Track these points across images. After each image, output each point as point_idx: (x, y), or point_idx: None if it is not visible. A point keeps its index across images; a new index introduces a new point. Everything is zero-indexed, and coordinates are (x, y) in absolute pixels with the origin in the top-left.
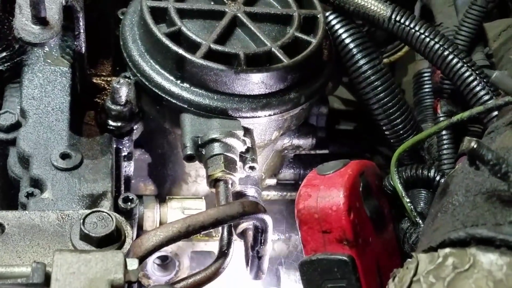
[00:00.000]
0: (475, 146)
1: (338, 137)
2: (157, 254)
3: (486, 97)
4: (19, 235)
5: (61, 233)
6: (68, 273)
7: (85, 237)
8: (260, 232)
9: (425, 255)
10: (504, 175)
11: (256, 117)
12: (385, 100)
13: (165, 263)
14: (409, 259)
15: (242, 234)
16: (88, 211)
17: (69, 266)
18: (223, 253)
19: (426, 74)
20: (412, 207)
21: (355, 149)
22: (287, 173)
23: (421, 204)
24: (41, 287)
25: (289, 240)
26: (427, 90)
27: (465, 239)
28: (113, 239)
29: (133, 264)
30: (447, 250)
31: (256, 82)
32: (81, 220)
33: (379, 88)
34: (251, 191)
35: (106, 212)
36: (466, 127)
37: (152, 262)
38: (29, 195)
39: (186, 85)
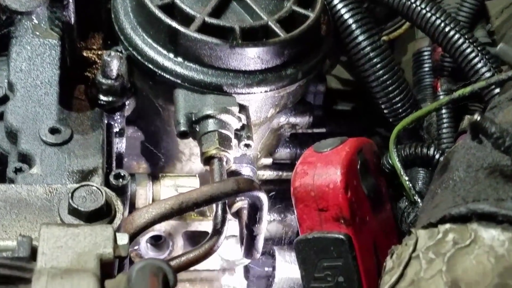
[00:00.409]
0: (478, 119)
1: (336, 117)
2: (151, 233)
3: (488, 74)
4: (5, 209)
5: (49, 208)
6: (55, 247)
7: (73, 212)
8: (255, 211)
9: (424, 231)
10: (507, 149)
11: (251, 93)
12: (384, 77)
13: (158, 242)
14: (407, 236)
15: (237, 214)
16: (77, 185)
17: (56, 240)
18: (217, 231)
19: (426, 53)
20: (410, 185)
21: (352, 129)
22: (283, 153)
23: (419, 184)
24: (27, 261)
25: (285, 220)
26: (426, 69)
27: (466, 215)
28: (102, 214)
29: (123, 238)
30: (448, 225)
31: (252, 57)
32: (70, 194)
33: (378, 66)
34: (246, 170)
35: (95, 186)
36: (466, 106)
37: (145, 241)
38: (17, 170)
39: (179, 59)
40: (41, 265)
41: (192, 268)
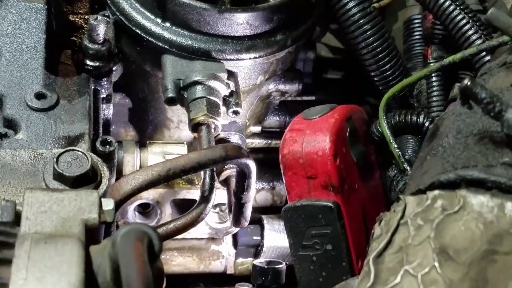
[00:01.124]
0: (468, 84)
1: (325, 85)
2: (138, 201)
3: (479, 41)
4: None
5: (33, 172)
6: (39, 212)
7: (58, 177)
8: (243, 178)
9: (413, 197)
10: (497, 114)
11: (240, 59)
12: (374, 44)
13: (146, 211)
14: (396, 202)
15: (225, 182)
16: (62, 150)
17: (41, 204)
18: (204, 199)
19: (416, 21)
20: (400, 153)
21: (342, 98)
22: (272, 121)
23: (409, 152)
24: (11, 225)
25: (273, 189)
26: (417, 37)
27: (455, 181)
28: (88, 179)
29: (108, 204)
30: (436, 192)
31: (241, 23)
32: (55, 159)
33: (368, 32)
34: (235, 138)
35: (81, 151)
36: (456, 75)
37: (133, 210)
38: (2, 136)
39: (167, 24)
40: (25, 230)
41: (180, 237)
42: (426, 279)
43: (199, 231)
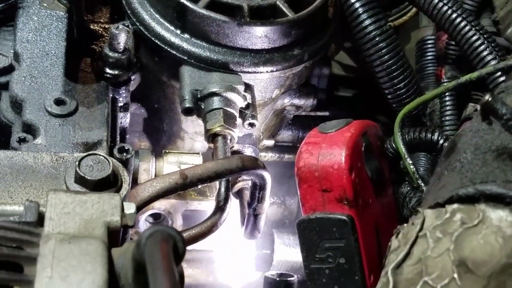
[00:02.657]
0: (489, 100)
1: (337, 102)
2: (150, 211)
3: (494, 62)
4: (11, 175)
5: (55, 175)
6: (63, 213)
7: (80, 180)
8: (258, 189)
9: (431, 210)
10: None
11: (257, 72)
12: (389, 62)
13: (157, 221)
14: (414, 215)
15: (238, 194)
16: (84, 154)
17: (64, 206)
18: (219, 208)
19: (429, 41)
20: (414, 169)
21: (354, 115)
22: (286, 135)
23: (421, 170)
24: (34, 226)
25: (284, 203)
26: (430, 57)
27: (474, 195)
28: (109, 184)
29: (130, 208)
30: (455, 206)
31: (259, 36)
32: (77, 163)
33: (384, 50)
34: (248, 151)
35: (103, 156)
36: (469, 95)
37: (144, 220)
38: (21, 140)
39: (186, 36)
40: (49, 230)
41: (189, 248)
42: None
43: (208, 243)
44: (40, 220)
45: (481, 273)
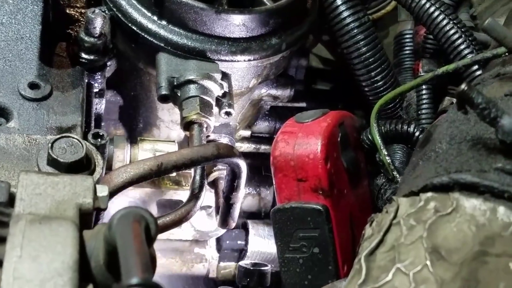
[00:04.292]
0: (465, 89)
1: (315, 94)
2: (124, 199)
3: (471, 56)
4: None
5: (27, 157)
6: (34, 194)
7: (52, 162)
8: (233, 178)
9: (406, 199)
10: (493, 120)
11: (235, 61)
12: (367, 55)
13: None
14: (388, 203)
15: (213, 183)
16: (57, 136)
17: (35, 187)
18: (194, 196)
19: (408, 36)
20: (390, 160)
21: (331, 107)
22: (262, 126)
23: (397, 162)
24: (5, 206)
25: (259, 195)
26: (408, 51)
27: (448, 184)
28: (82, 167)
29: (103, 190)
30: (429, 194)
31: (237, 24)
32: (50, 145)
33: (361, 43)
34: (224, 141)
35: (76, 139)
36: (446, 89)
37: (118, 207)
38: None
39: (164, 22)
40: (19, 211)
41: (164, 238)
42: (417, 277)
43: (184, 232)
44: (11, 201)
45: (453, 260)
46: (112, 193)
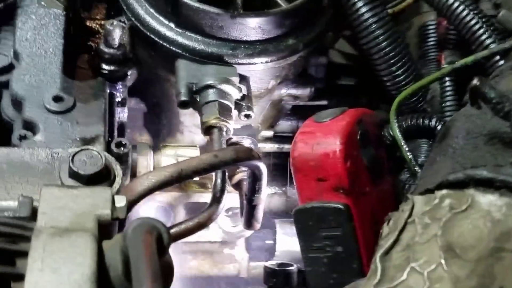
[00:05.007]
0: (477, 84)
1: (338, 91)
2: (152, 204)
3: (493, 46)
4: (8, 171)
5: (50, 171)
6: (55, 207)
7: (73, 175)
8: (254, 180)
9: (421, 197)
10: (506, 114)
11: (252, 63)
12: (387, 49)
13: (160, 214)
14: (404, 202)
15: (238, 185)
16: (77, 149)
17: (56, 200)
18: (216, 200)
19: (431, 27)
20: (411, 156)
21: (355, 104)
22: (285, 125)
23: (422, 157)
24: (28, 220)
25: (286, 194)
26: (431, 43)
27: (463, 181)
28: (102, 178)
29: (121, 201)
30: (444, 191)
31: (253, 27)
32: (70, 158)
33: (381, 37)
34: (247, 142)
35: (95, 151)
36: (470, 80)
37: (147, 212)
38: (22, 137)
39: (181, 29)
40: (41, 224)
41: (194, 240)
42: (432, 276)
43: (213, 234)
44: (34, 214)
45: (468, 257)
46: (135, 201)
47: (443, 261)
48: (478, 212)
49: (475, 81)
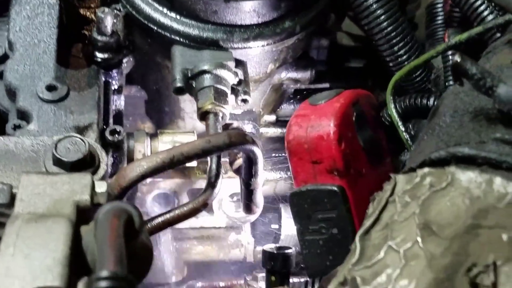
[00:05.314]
0: (459, 60)
1: (342, 74)
2: (156, 191)
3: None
4: None
5: (35, 159)
6: (33, 194)
7: (57, 162)
8: (250, 164)
9: (403, 175)
10: (489, 90)
11: (248, 47)
12: (388, 29)
13: (164, 201)
14: (387, 181)
15: (238, 171)
16: (61, 136)
17: (35, 187)
18: (210, 185)
19: (438, 5)
20: (407, 136)
21: (361, 87)
22: (288, 110)
23: None
24: (6, 207)
25: (291, 178)
26: (439, 21)
27: (445, 158)
28: (86, 164)
29: (101, 186)
30: (426, 169)
31: (248, 11)
32: (54, 145)
33: (382, 17)
34: (248, 127)
35: (79, 137)
36: (476, 57)
37: (151, 200)
38: (16, 127)
39: (175, 15)
40: (18, 211)
41: (199, 226)
42: (408, 254)
43: (217, 220)
44: (12, 201)
45: (444, 235)
46: (127, 187)
47: (419, 239)
48: (457, 190)
49: (456, 57)
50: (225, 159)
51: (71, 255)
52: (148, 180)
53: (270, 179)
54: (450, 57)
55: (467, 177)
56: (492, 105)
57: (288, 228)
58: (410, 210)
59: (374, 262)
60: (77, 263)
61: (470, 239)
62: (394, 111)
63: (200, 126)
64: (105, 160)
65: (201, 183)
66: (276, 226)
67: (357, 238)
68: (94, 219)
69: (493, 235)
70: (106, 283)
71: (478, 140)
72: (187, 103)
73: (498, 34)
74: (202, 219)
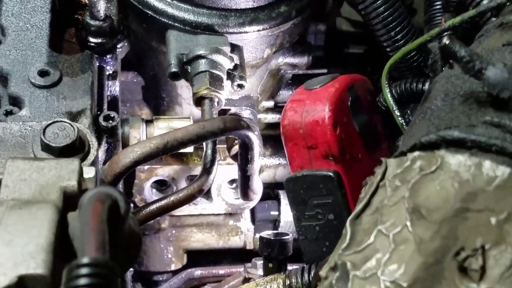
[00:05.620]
0: (447, 43)
1: (341, 59)
2: (154, 178)
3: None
4: None
5: (23, 144)
6: (19, 180)
7: (46, 148)
8: (246, 150)
9: (393, 159)
10: (477, 73)
11: (244, 32)
12: (385, 14)
13: (162, 188)
14: (378, 166)
15: (235, 157)
16: (49, 122)
17: (21, 173)
18: (206, 171)
19: None
20: (402, 121)
21: (359, 71)
22: (286, 95)
23: None
24: None
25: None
26: (438, 7)
27: (435, 142)
28: (75, 150)
29: (89, 172)
30: (416, 153)
31: None
32: (42, 131)
33: (378, 2)
34: (246, 113)
35: (68, 122)
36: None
37: (149, 186)
38: (8, 113)
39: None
40: (3, 197)
41: (198, 213)
42: (397, 238)
43: (216, 207)
44: None
45: (433, 219)
46: (121, 173)
47: (408, 223)
48: (446, 173)
49: (444, 40)
50: (224, 146)
51: (56, 241)
52: (146, 166)
53: (269, 165)
54: (444, 40)
55: (457, 160)
56: (481, 88)
57: (287, 215)
58: (400, 194)
59: (364, 246)
60: (65, 250)
61: (459, 222)
62: (389, 95)
63: (198, 112)
64: (96, 146)
65: (199, 170)
66: (276, 213)
67: (347, 223)
68: (79, 204)
69: (482, 219)
70: (86, 269)
71: (468, 124)
72: (184, 89)
73: (494, 19)
74: (201, 206)
